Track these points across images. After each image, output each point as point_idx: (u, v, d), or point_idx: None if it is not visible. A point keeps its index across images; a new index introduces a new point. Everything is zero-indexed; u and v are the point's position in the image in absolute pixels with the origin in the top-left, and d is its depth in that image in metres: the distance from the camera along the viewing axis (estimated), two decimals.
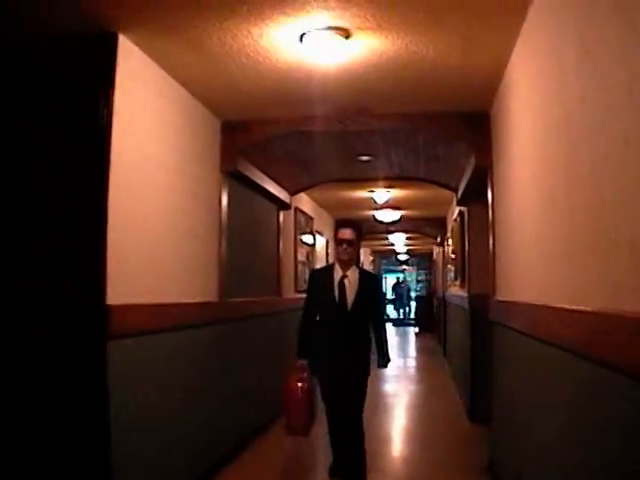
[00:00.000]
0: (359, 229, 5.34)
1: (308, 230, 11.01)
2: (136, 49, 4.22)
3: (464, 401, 8.62)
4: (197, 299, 5.39)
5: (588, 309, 2.52)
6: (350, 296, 5.16)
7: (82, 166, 3.88)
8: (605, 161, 2.36)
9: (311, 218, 11.33)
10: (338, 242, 5.26)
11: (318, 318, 5.32)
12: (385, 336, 5.49)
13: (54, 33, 3.86)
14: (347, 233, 5.23)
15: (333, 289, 5.18)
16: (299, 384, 5.30)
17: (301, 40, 4.17)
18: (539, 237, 3.61)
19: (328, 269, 5.48)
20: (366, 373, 5.25)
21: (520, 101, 4.18)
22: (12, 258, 3.86)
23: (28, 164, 3.91)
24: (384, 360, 5.43)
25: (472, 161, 6.21)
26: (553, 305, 3.12)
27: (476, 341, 7.74)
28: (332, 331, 5.18)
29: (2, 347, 3.78)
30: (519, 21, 3.80)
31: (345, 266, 5.25)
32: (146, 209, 4.42)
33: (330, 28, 4.03)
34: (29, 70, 3.98)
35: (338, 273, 5.23)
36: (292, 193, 8.91)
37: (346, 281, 5.20)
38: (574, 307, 2.72)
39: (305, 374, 5.26)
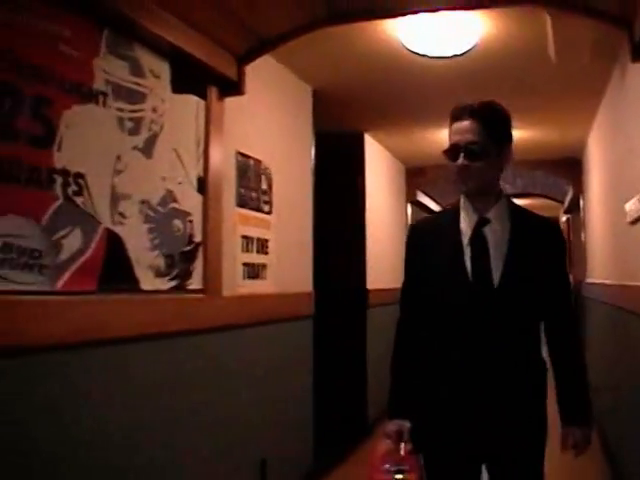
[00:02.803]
0: (493, 118, 2.26)
1: None
2: (373, 141, 7.06)
3: None
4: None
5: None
6: (497, 263, 2.24)
7: (351, 210, 6.73)
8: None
9: None
10: (449, 152, 2.26)
11: (430, 327, 2.37)
12: (581, 358, 2.38)
13: (330, 132, 6.66)
14: (463, 128, 2.22)
15: (461, 252, 2.27)
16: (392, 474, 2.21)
17: None
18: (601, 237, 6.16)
19: (445, 216, 2.48)
20: (539, 447, 2.34)
21: (594, 154, 6.73)
22: (326, 263, 6.70)
23: (328, 209, 6.76)
24: (581, 416, 2.33)
25: (571, 188, 8.88)
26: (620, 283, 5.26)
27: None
28: (461, 352, 2.28)
29: (324, 315, 6.61)
30: (595, 111, 6.34)
31: (480, 201, 2.30)
32: (378, 228, 7.24)
33: None
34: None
35: (470, 217, 2.31)
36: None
37: (488, 231, 2.28)
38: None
39: (403, 449, 2.28)
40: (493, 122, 2.25)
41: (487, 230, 2.29)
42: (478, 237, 2.29)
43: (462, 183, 2.27)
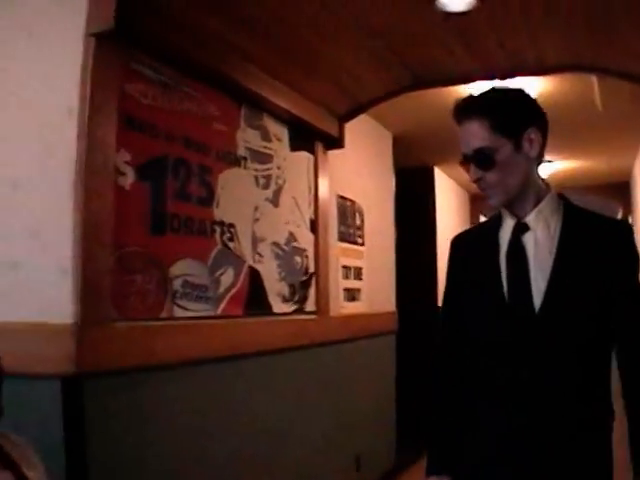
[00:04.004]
0: (498, 107, 1.75)
1: None
2: (442, 173, 7.68)
3: None
4: None
5: None
6: (539, 281, 1.72)
7: (425, 235, 7.35)
8: None
9: None
10: (462, 166, 1.85)
11: (470, 363, 1.90)
12: None
13: (405, 167, 7.30)
14: (466, 133, 1.77)
15: (497, 268, 1.80)
16: None
17: None
18: None
19: (488, 225, 1.97)
20: None
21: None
22: (405, 285, 7.28)
23: (406, 235, 7.38)
24: None
25: (621, 209, 9.39)
26: None
27: None
28: (500, 397, 1.78)
29: (404, 331, 7.21)
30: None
31: (517, 204, 1.81)
32: (446, 246, 7.84)
33: None
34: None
35: (508, 224, 1.84)
36: None
37: (527, 239, 1.77)
38: None
39: None
40: (500, 112, 1.72)
41: (526, 239, 1.75)
42: (516, 248, 1.76)
43: (487, 198, 1.81)
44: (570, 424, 1.71)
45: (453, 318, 1.98)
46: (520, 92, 1.81)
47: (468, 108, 1.76)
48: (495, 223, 1.90)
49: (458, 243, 2.04)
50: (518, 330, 1.73)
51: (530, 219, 1.78)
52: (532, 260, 1.75)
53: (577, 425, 1.71)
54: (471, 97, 1.79)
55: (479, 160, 1.75)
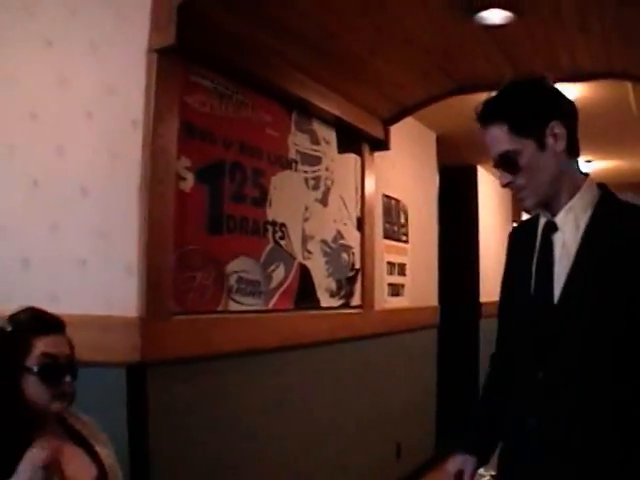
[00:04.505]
0: (518, 106, 1.68)
1: None
2: (484, 172, 7.75)
3: None
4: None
5: None
6: (560, 275, 1.66)
7: (467, 232, 7.44)
8: None
9: None
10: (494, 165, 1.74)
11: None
12: None
13: (449, 166, 7.36)
14: (489, 138, 1.71)
15: (531, 260, 1.76)
16: None
17: None
18: None
19: (535, 221, 1.82)
20: None
21: None
22: (447, 280, 7.36)
23: (449, 232, 7.48)
24: None
25: None
26: None
27: None
28: (520, 395, 1.75)
29: (446, 325, 7.31)
30: None
31: (551, 205, 1.71)
32: (488, 247, 7.91)
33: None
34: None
35: (542, 222, 1.77)
36: None
37: (557, 239, 1.71)
38: None
39: None
40: (518, 114, 1.67)
41: (556, 238, 1.70)
42: (544, 248, 1.73)
43: (521, 200, 1.74)
44: (583, 431, 1.58)
45: (504, 311, 1.94)
46: (539, 85, 1.73)
47: (487, 113, 1.71)
48: (536, 222, 1.81)
49: (513, 235, 2.00)
50: (538, 327, 1.68)
51: (559, 218, 1.70)
52: (557, 260, 1.68)
53: (592, 433, 1.58)
54: (489, 101, 1.73)
55: (505, 164, 1.69)
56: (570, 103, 1.72)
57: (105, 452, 1.96)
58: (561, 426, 1.60)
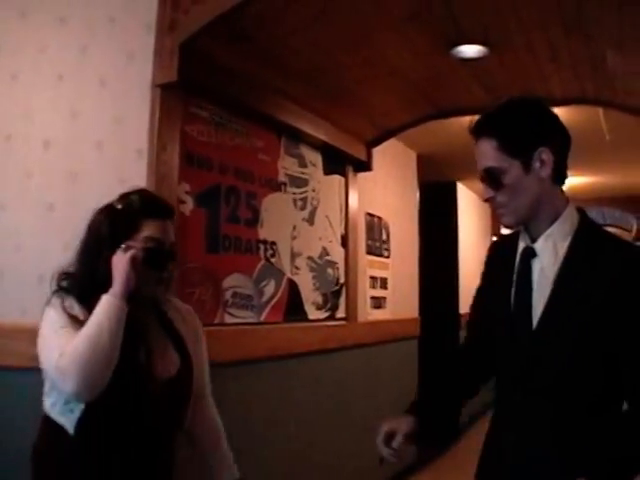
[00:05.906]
0: (508, 125, 1.68)
1: None
2: (464, 187, 8.04)
3: None
4: None
5: None
6: (539, 309, 1.67)
7: (447, 246, 7.72)
8: None
9: None
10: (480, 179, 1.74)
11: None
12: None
13: (429, 182, 7.66)
14: (478, 152, 1.71)
15: (511, 280, 1.76)
16: None
17: None
18: None
19: (516, 238, 1.82)
20: None
21: None
22: (427, 292, 7.66)
23: (429, 246, 7.76)
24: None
25: (635, 221, 9.75)
26: None
27: None
28: (500, 411, 1.81)
29: (426, 336, 7.59)
30: None
31: (531, 225, 1.74)
32: (468, 260, 8.18)
33: None
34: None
35: (521, 245, 1.77)
36: None
37: (535, 264, 1.71)
38: None
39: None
40: (508, 133, 1.66)
41: (534, 264, 1.70)
42: (522, 273, 1.72)
43: (499, 216, 1.74)
44: (561, 447, 1.59)
45: (476, 321, 1.96)
46: (536, 108, 1.73)
47: (479, 127, 1.71)
48: (516, 240, 1.81)
49: (492, 249, 2.01)
50: (516, 351, 1.69)
51: (538, 245, 1.69)
52: (536, 285, 1.68)
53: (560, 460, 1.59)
54: (484, 116, 1.73)
55: (489, 180, 1.69)
56: (564, 132, 1.73)
57: (193, 340, 2.03)
58: (539, 442, 1.61)
